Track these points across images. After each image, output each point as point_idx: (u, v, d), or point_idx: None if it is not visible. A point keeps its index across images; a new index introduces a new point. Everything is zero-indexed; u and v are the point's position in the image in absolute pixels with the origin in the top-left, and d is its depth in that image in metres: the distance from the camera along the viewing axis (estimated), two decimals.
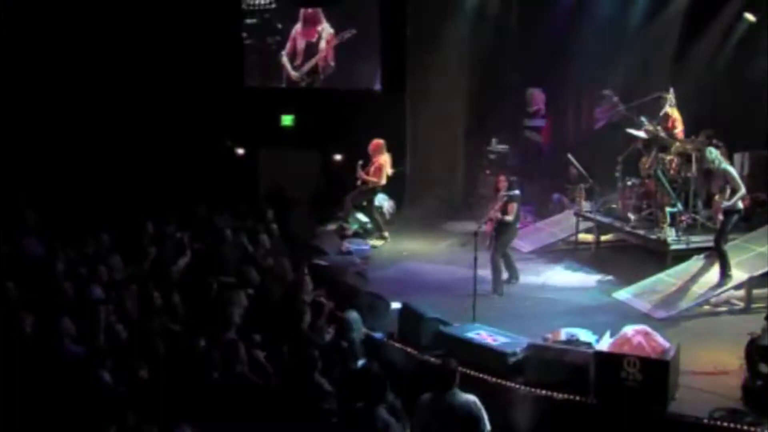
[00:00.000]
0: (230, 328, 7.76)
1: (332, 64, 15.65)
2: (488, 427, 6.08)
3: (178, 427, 5.80)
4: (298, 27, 15.83)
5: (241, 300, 8.42)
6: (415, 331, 8.65)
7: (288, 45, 15.91)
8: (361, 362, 7.53)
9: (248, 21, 16.10)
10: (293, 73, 15.97)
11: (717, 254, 9.85)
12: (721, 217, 9.71)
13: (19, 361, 7.00)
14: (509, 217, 10.29)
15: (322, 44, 15.68)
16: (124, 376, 6.78)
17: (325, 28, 15.62)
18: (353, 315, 8.26)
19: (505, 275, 10.52)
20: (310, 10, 15.66)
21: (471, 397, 6.13)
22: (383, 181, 12.73)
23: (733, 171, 9.81)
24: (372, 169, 12.64)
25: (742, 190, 9.63)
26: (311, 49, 15.78)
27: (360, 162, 12.68)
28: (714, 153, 9.84)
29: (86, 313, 7.88)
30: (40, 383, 6.71)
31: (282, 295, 9.09)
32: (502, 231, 10.35)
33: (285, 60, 15.98)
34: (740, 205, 9.73)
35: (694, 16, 12.77)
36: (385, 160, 12.70)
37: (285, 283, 9.48)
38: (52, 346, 7.32)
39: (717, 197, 9.83)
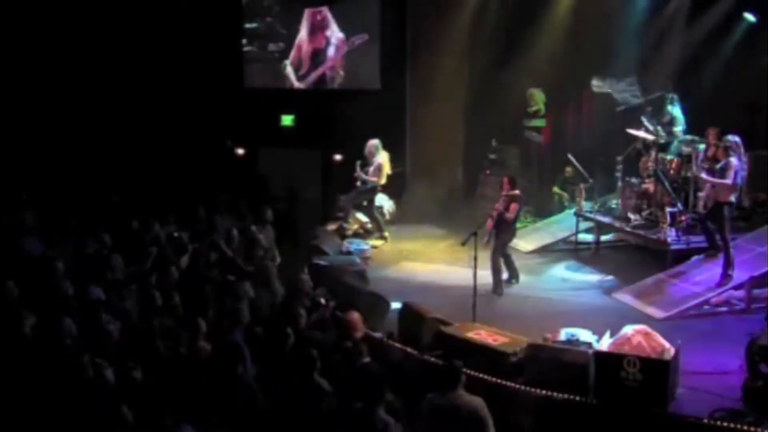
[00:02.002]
0: (241, 323, 7.77)
1: (341, 72, 15.27)
2: (493, 430, 6.07)
3: (178, 428, 5.80)
4: (303, 33, 15.34)
5: (247, 292, 8.45)
6: (415, 331, 8.65)
7: (292, 53, 15.43)
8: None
9: (248, 25, 15.64)
10: (297, 84, 15.58)
11: (723, 249, 9.83)
12: (710, 204, 9.85)
13: (19, 361, 6.99)
14: (510, 215, 10.34)
15: (331, 51, 15.22)
16: (121, 377, 6.77)
17: (334, 33, 15.17)
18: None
19: (505, 275, 10.55)
20: (318, 17, 15.16)
21: (477, 399, 6.13)
22: (383, 181, 12.74)
23: (735, 163, 9.73)
24: (371, 169, 12.64)
25: (727, 181, 9.64)
26: (318, 56, 15.31)
27: (359, 162, 12.68)
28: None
29: (86, 313, 7.87)
30: (40, 383, 6.70)
31: (281, 296, 9.08)
32: (502, 229, 10.38)
33: (289, 70, 15.49)
34: (732, 198, 9.77)
35: (694, 16, 12.77)
36: (383, 159, 12.70)
37: (284, 282, 9.46)
38: (52, 346, 7.31)
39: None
